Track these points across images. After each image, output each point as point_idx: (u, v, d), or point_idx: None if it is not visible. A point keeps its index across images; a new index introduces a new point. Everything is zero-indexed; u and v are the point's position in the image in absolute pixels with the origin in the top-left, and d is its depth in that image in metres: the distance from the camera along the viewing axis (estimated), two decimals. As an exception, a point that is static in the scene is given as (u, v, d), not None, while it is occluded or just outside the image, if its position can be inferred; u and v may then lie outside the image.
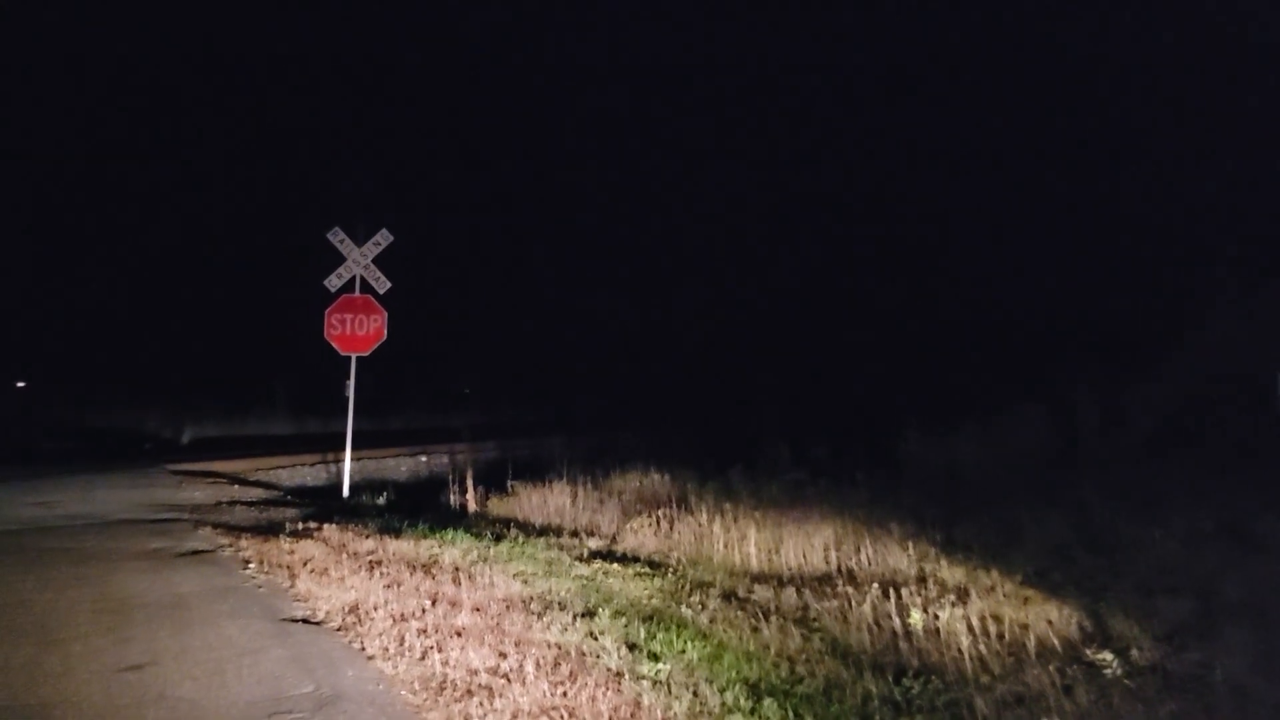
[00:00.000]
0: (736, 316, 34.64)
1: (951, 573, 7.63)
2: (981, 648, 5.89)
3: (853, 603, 6.90)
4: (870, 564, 8.17)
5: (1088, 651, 5.70)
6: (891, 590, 6.96)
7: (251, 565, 7.64)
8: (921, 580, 7.53)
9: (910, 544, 8.29)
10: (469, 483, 11.68)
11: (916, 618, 6.44)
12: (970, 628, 6.16)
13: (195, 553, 8.10)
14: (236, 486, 13.01)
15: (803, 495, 10.31)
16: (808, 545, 8.66)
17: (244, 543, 8.45)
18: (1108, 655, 5.57)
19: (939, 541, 8.44)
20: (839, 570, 8.16)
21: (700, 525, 9.49)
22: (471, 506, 11.37)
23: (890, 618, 6.50)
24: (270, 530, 9.16)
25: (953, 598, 6.85)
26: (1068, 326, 20.36)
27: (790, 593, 7.34)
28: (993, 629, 6.15)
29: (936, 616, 6.42)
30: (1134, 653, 5.65)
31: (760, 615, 6.65)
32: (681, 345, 34.85)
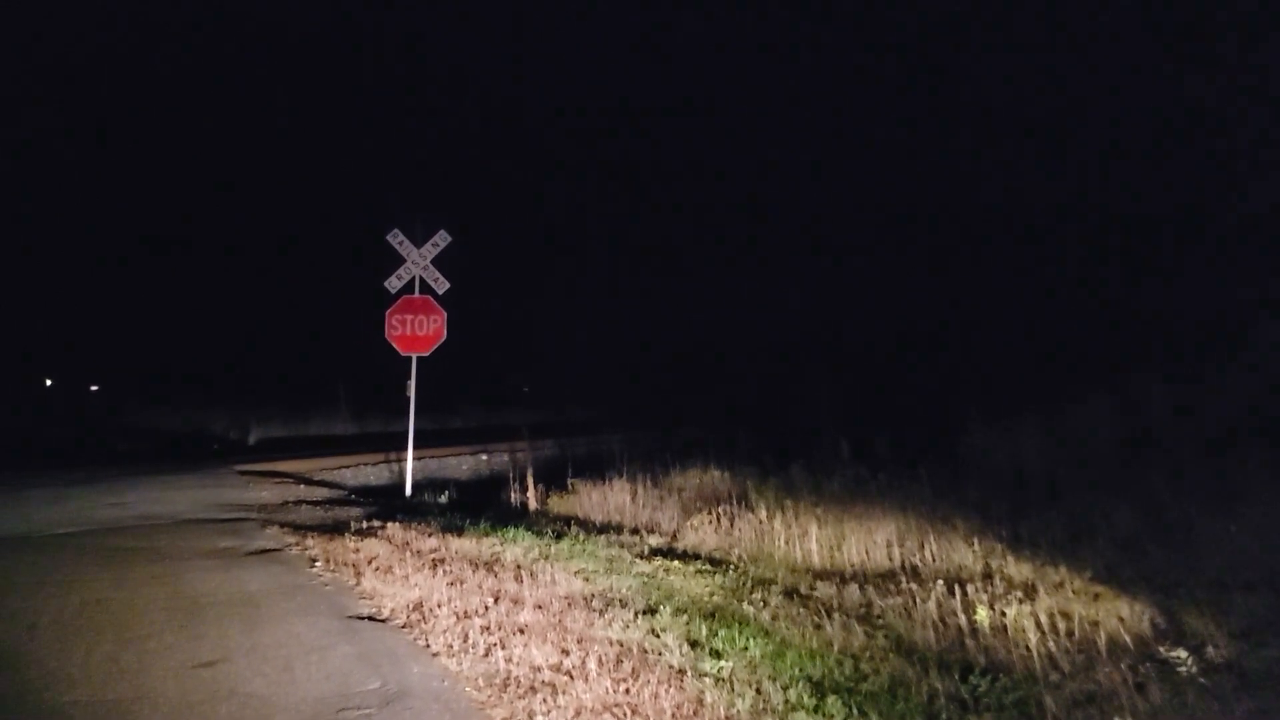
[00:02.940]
0: (792, 312, 34.46)
1: (1018, 569, 7.51)
2: (1050, 645, 5.78)
3: (917, 599, 6.83)
4: (934, 560, 8.07)
5: (1161, 648, 5.57)
6: (957, 587, 6.88)
7: (318, 563, 7.77)
8: (987, 577, 7.42)
9: (975, 540, 8.17)
10: (529, 481, 11.76)
11: (983, 615, 6.34)
12: (1038, 624, 6.06)
13: (263, 551, 8.25)
14: (302, 486, 13.23)
15: (864, 491, 10.20)
16: (870, 541, 8.58)
17: (310, 541, 8.59)
18: (1182, 652, 5.43)
19: (1005, 537, 8.30)
20: (902, 567, 8.08)
21: (761, 522, 9.45)
22: (532, 504, 11.44)
23: (956, 615, 6.42)
24: (336, 529, 9.31)
25: (1020, 594, 6.74)
26: (1137, 315, 19.86)
27: (853, 589, 7.28)
28: (1062, 626, 6.05)
29: (1003, 613, 6.32)
30: (1209, 650, 5.51)
31: (823, 612, 6.60)
32: (738, 341, 34.77)
